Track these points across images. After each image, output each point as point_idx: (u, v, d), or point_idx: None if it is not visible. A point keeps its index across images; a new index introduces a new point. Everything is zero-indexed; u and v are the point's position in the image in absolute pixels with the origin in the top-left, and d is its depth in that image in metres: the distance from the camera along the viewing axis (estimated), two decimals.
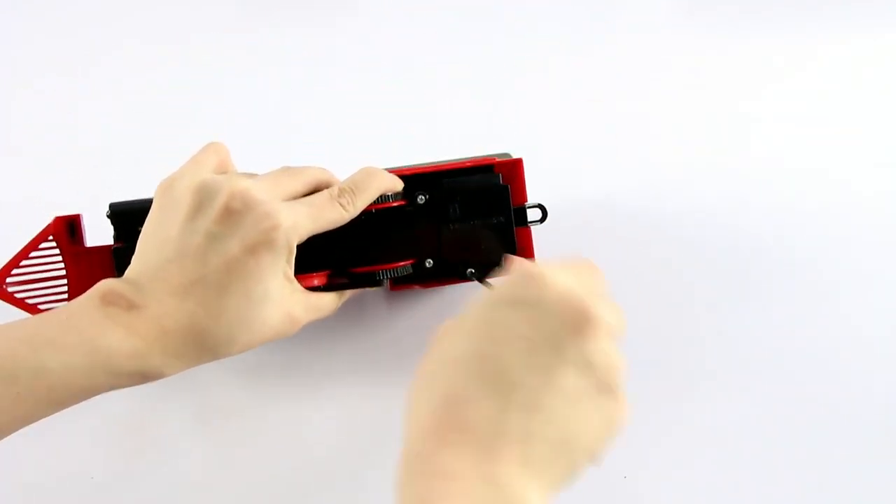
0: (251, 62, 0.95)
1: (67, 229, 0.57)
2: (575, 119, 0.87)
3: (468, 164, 0.58)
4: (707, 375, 0.60)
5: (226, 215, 0.45)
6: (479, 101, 0.90)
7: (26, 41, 0.96)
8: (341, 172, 0.79)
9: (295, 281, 0.49)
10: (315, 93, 0.91)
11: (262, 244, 0.45)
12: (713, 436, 0.56)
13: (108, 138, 0.85)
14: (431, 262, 0.58)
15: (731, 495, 0.52)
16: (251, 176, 0.51)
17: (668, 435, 0.56)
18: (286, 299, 0.48)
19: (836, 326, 0.64)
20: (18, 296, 0.56)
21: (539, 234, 0.67)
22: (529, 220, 0.59)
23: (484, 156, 0.63)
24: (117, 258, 0.55)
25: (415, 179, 0.57)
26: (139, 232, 0.50)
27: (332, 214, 0.50)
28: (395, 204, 0.56)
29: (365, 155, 0.82)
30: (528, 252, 0.61)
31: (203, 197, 0.46)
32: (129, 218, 0.55)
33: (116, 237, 0.56)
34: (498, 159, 0.59)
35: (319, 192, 0.52)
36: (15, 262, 0.56)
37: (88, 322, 0.43)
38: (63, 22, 0.98)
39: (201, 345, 0.45)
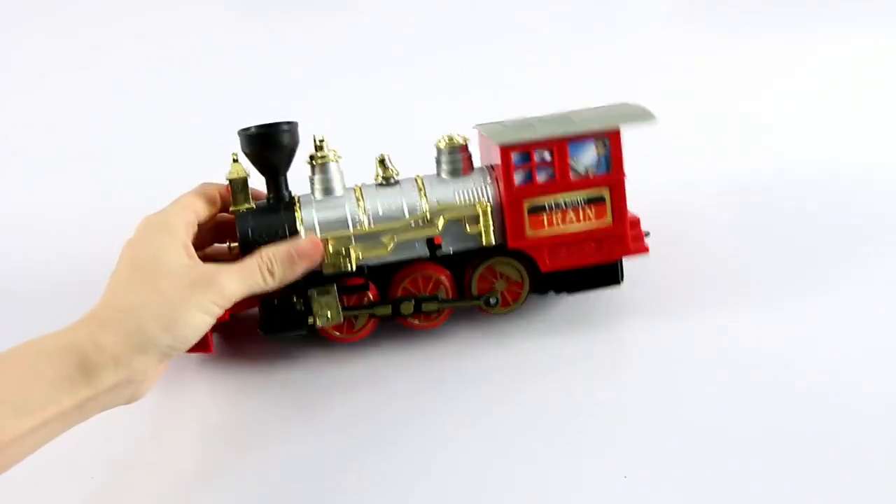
0: (251, 62, 0.95)
1: None
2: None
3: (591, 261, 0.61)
4: (706, 376, 0.60)
5: None
6: (478, 101, 0.90)
7: (26, 41, 0.96)
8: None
9: None
10: (315, 92, 0.91)
11: None
12: (714, 435, 0.56)
13: (108, 138, 0.85)
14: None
15: (731, 495, 0.52)
16: None
17: (669, 435, 0.56)
18: None
19: (834, 327, 0.64)
20: None
21: None
22: None
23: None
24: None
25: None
26: None
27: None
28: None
29: (364, 155, 0.82)
30: None
31: None
32: None
33: None
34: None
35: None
36: None
37: None
38: (63, 22, 0.98)
39: None
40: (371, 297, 0.60)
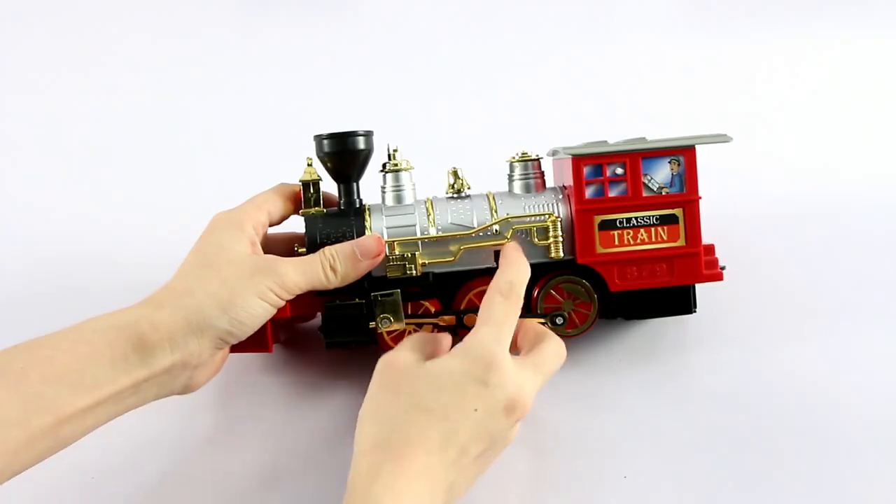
0: (251, 62, 0.95)
1: None
2: (574, 118, 0.87)
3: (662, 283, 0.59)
4: (705, 377, 0.60)
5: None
6: (476, 100, 0.90)
7: (26, 41, 0.95)
8: None
9: None
10: (315, 92, 0.91)
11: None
12: (713, 435, 0.56)
13: (107, 138, 0.85)
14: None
15: (731, 495, 0.52)
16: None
17: (668, 435, 0.56)
18: None
19: (843, 335, 0.64)
20: None
21: None
22: None
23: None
24: None
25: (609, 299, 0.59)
26: None
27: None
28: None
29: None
30: None
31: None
32: None
33: None
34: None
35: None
36: None
37: None
38: (63, 22, 0.97)
39: None
40: (433, 309, 0.59)
